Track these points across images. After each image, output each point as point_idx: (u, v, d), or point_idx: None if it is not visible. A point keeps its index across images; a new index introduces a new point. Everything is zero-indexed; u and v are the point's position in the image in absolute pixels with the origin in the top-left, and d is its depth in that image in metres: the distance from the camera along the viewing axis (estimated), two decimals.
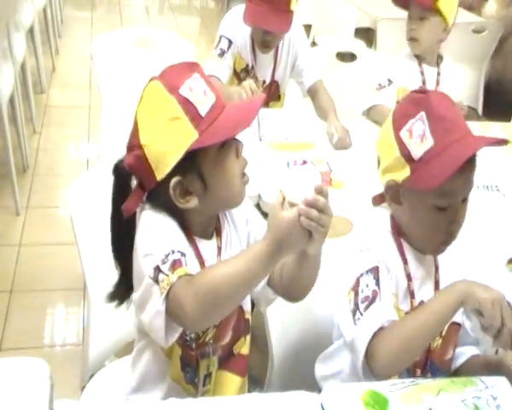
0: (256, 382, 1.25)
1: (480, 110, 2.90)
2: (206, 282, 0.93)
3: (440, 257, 1.18)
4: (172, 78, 0.99)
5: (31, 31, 3.64)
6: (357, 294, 1.08)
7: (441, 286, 1.17)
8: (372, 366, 1.06)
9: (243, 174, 1.04)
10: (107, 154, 1.97)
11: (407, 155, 1.06)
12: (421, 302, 1.15)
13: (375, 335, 1.05)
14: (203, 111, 0.97)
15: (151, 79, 1.01)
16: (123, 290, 1.05)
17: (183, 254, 0.97)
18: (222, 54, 2.20)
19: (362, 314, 1.07)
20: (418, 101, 1.09)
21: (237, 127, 1.00)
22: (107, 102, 2.18)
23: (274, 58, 2.26)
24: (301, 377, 1.12)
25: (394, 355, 1.05)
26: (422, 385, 1.06)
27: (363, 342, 1.05)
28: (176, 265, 0.95)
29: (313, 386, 1.08)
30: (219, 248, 1.07)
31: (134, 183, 1.03)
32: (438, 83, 2.18)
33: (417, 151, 1.05)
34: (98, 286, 1.28)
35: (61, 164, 3.21)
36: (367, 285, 1.08)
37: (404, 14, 3.60)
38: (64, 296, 2.30)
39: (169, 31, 4.79)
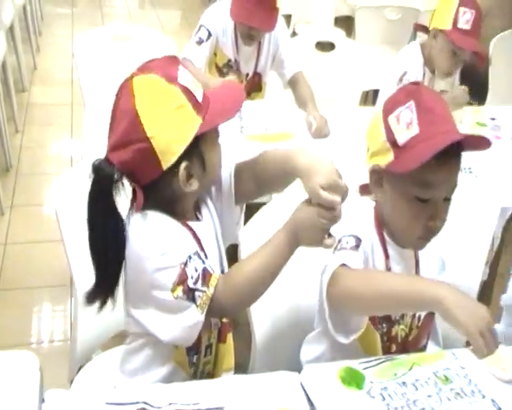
0: (241, 369, 1.29)
1: None
2: (241, 281, 1.03)
3: (421, 252, 1.19)
4: (166, 70, 1.01)
5: (11, 29, 3.61)
6: (336, 248, 1.10)
7: None
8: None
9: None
10: (91, 151, 1.98)
11: (392, 141, 1.08)
12: None
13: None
14: (200, 98, 1.02)
15: (132, 76, 1.01)
16: (102, 294, 1.05)
17: (199, 256, 1.03)
18: (200, 42, 2.22)
19: (333, 255, 1.10)
20: (410, 91, 1.11)
21: (234, 107, 1.07)
22: (90, 99, 2.19)
23: (257, 50, 2.29)
24: (284, 361, 1.15)
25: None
26: (396, 361, 1.11)
27: (326, 276, 1.08)
28: (206, 276, 1.02)
29: (296, 369, 1.10)
30: (205, 225, 1.13)
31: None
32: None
33: (402, 137, 1.07)
34: (84, 281, 1.29)
35: (44, 162, 3.21)
36: (347, 242, 1.11)
37: (381, 2, 3.66)
38: (50, 293, 2.32)
39: (150, 25, 4.78)
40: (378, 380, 1.07)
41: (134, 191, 1.03)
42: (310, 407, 1.01)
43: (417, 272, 1.20)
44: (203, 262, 1.03)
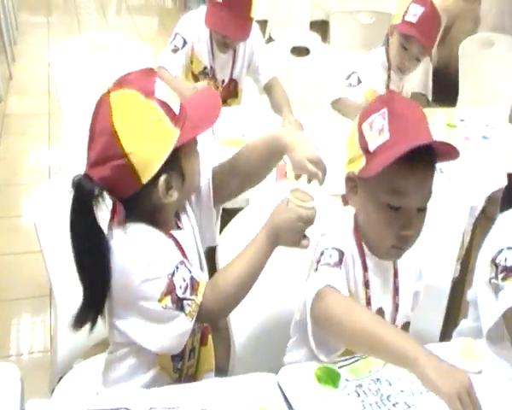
0: (221, 372, 1.31)
1: (429, 96, 3.02)
2: (227, 286, 1.07)
3: (400, 262, 1.19)
4: (143, 84, 1.02)
5: None
6: (319, 261, 1.12)
7: (401, 292, 1.20)
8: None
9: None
10: (70, 161, 1.99)
11: (364, 147, 1.09)
12: (379, 310, 1.18)
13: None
14: (177, 110, 1.03)
15: (109, 91, 1.02)
16: (92, 313, 1.06)
17: (185, 265, 1.05)
18: (175, 50, 2.23)
19: (317, 271, 1.10)
20: (384, 100, 1.14)
21: (210, 120, 1.09)
22: (68, 109, 2.19)
23: (232, 57, 2.31)
24: (262, 364, 1.16)
25: None
26: (371, 359, 1.14)
27: (310, 292, 1.08)
28: (195, 284, 1.05)
29: (274, 372, 1.12)
30: (186, 233, 1.16)
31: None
32: (400, 91, 2.30)
33: (373, 144, 1.08)
34: (64, 290, 1.32)
35: (22, 173, 3.19)
36: (330, 256, 1.12)
37: (355, 6, 3.72)
38: (30, 305, 2.31)
39: (127, 32, 4.79)
40: (353, 378, 1.10)
41: (114, 205, 1.05)
42: (287, 407, 1.04)
43: (395, 282, 1.20)
44: (190, 271, 1.05)
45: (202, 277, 1.08)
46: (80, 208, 1.01)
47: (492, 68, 2.96)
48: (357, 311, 1.06)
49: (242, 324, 1.32)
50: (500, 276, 1.18)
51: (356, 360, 1.14)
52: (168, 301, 1.02)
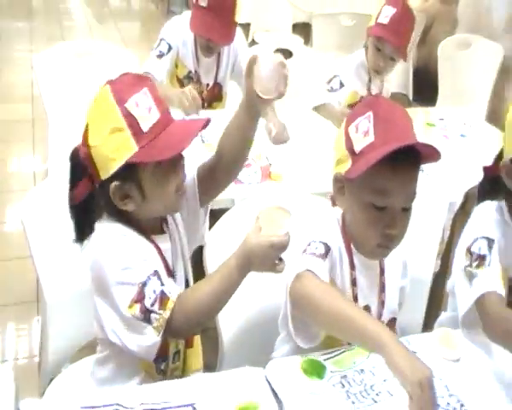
0: (209, 371, 1.32)
1: (410, 96, 3.08)
2: (193, 306, 1.07)
3: (386, 260, 1.23)
4: (122, 89, 1.05)
5: None
6: (305, 251, 1.14)
7: (387, 289, 1.23)
8: None
9: (179, 189, 1.12)
10: (57, 166, 2.00)
11: (350, 149, 1.12)
12: (366, 307, 1.21)
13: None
14: (145, 127, 1.03)
15: (107, 83, 1.07)
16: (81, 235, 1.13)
17: (159, 277, 1.06)
18: (160, 56, 2.26)
19: (301, 258, 1.12)
20: (369, 103, 1.17)
21: (174, 149, 1.05)
22: (53, 114, 2.20)
23: (216, 61, 2.35)
24: (250, 360, 1.18)
25: None
26: (355, 350, 1.18)
27: (291, 276, 1.10)
28: (164, 299, 1.05)
29: (262, 367, 1.15)
30: (170, 237, 1.18)
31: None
32: (381, 91, 2.36)
33: (359, 145, 1.11)
34: (54, 293, 1.34)
35: (6, 180, 3.19)
36: (316, 248, 1.14)
37: (336, 9, 3.78)
38: (16, 311, 2.30)
39: (110, 38, 4.79)
40: (338, 369, 1.14)
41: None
42: (275, 399, 1.07)
43: (382, 279, 1.24)
44: (162, 284, 1.07)
45: (173, 292, 1.07)
46: (74, 176, 1.10)
47: (470, 68, 3.03)
48: (334, 294, 1.08)
49: (230, 320, 1.35)
50: (474, 264, 1.23)
51: (341, 353, 1.18)
52: (137, 309, 1.05)
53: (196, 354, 1.28)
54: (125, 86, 1.06)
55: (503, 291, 1.19)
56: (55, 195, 1.14)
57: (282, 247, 1.04)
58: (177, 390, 1.07)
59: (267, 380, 1.10)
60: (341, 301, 1.07)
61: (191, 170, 1.22)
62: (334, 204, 1.24)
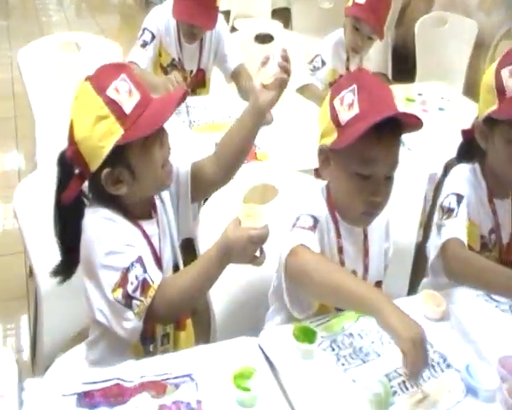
0: None
1: (389, 75, 3.13)
2: (173, 294, 1.10)
3: (369, 226, 1.27)
4: (100, 79, 1.09)
5: None
6: (294, 225, 1.18)
7: (371, 254, 1.28)
8: None
9: (165, 163, 1.16)
10: (46, 160, 2.02)
11: (336, 121, 1.16)
12: (352, 272, 1.26)
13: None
14: (128, 109, 1.07)
15: (86, 78, 1.11)
16: (66, 269, 1.18)
17: (142, 264, 1.10)
18: (144, 45, 2.30)
19: (292, 232, 1.16)
20: (353, 76, 1.22)
21: (158, 122, 1.10)
22: (39, 110, 2.21)
23: (199, 47, 2.38)
24: (242, 332, 1.21)
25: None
26: (343, 316, 1.24)
27: (285, 250, 1.15)
28: (145, 286, 1.09)
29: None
30: (158, 222, 1.22)
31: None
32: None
33: (344, 117, 1.15)
34: (48, 282, 1.34)
35: None
36: (305, 221, 1.19)
37: None
38: (6, 307, 2.28)
39: (89, 31, 4.75)
40: (328, 334, 1.19)
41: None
42: (269, 365, 1.12)
43: (365, 245, 1.29)
44: (144, 271, 1.10)
45: (156, 279, 1.11)
46: (61, 181, 1.13)
47: (446, 45, 3.09)
48: (328, 265, 1.14)
49: (221, 296, 1.40)
50: (444, 217, 1.32)
51: (331, 319, 1.23)
52: (120, 293, 1.09)
53: (189, 337, 1.32)
54: (103, 77, 1.10)
55: (465, 239, 1.28)
56: (47, 185, 1.17)
57: (261, 240, 1.05)
58: (175, 362, 1.12)
59: (260, 348, 1.15)
60: (335, 271, 1.12)
61: (185, 164, 1.27)
62: (317, 176, 1.29)
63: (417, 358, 0.96)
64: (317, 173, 1.29)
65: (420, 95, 2.46)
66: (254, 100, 1.23)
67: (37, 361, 1.50)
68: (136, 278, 1.09)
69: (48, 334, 1.43)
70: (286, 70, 1.20)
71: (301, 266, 1.12)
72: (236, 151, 1.28)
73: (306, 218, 1.19)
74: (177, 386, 1.06)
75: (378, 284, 1.34)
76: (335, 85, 1.23)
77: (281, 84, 1.21)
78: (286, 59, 1.20)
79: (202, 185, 1.28)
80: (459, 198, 1.34)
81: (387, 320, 0.99)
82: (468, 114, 1.74)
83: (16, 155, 3.36)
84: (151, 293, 1.09)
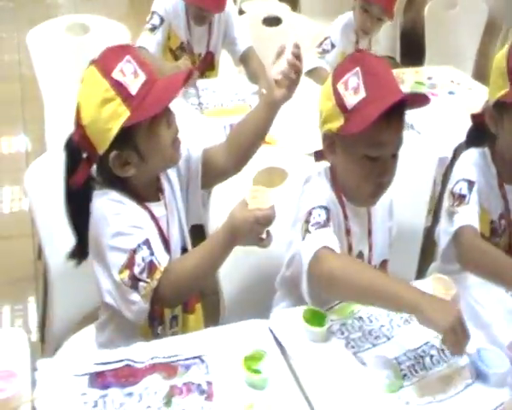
0: None
1: (398, 58, 3.10)
2: (180, 278, 1.10)
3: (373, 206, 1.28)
4: (105, 62, 1.09)
5: None
6: (309, 222, 1.16)
7: (375, 233, 1.28)
8: None
9: (175, 140, 1.16)
10: (55, 142, 2.02)
11: (342, 106, 1.15)
12: (359, 253, 1.27)
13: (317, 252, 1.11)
14: (134, 90, 1.07)
15: (91, 62, 1.11)
16: (80, 252, 1.18)
17: (149, 246, 1.10)
18: (153, 29, 2.28)
19: (310, 233, 1.14)
20: (355, 58, 1.19)
21: (163, 102, 1.10)
22: (47, 92, 2.21)
23: (208, 30, 2.37)
24: (251, 316, 1.22)
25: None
26: None
27: (307, 254, 1.12)
28: (152, 269, 1.09)
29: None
30: (165, 204, 1.22)
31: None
32: (369, 51, 2.38)
33: (351, 102, 1.14)
34: (58, 265, 1.37)
35: None
36: (319, 215, 1.17)
37: None
38: (14, 290, 2.29)
39: (97, 13, 4.72)
40: (338, 317, 1.20)
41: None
42: (279, 348, 1.13)
43: (369, 225, 1.29)
44: (151, 253, 1.10)
45: (163, 261, 1.11)
46: (69, 165, 1.13)
47: (457, 28, 3.05)
48: (358, 269, 1.13)
49: (231, 278, 1.40)
50: (455, 203, 1.31)
51: (339, 302, 1.23)
52: (126, 275, 1.09)
53: (198, 321, 1.32)
54: (108, 59, 1.09)
55: (478, 226, 1.28)
56: (57, 167, 1.17)
57: (267, 221, 1.05)
58: (186, 344, 1.13)
59: (271, 331, 1.16)
60: (367, 272, 1.13)
61: (197, 149, 1.27)
62: (317, 159, 1.28)
63: (460, 340, 1.00)
64: (317, 157, 1.29)
65: (429, 79, 2.44)
66: (268, 93, 1.22)
67: (46, 342, 1.52)
68: (143, 260, 1.09)
69: (58, 315, 1.45)
70: (296, 68, 1.17)
71: (328, 273, 1.10)
72: (248, 142, 1.28)
73: (319, 211, 1.18)
74: (187, 368, 1.07)
75: (384, 263, 1.34)
76: (337, 69, 1.21)
77: (290, 84, 1.19)
78: (297, 56, 1.17)
79: (213, 172, 1.27)
80: (470, 184, 1.33)
81: (426, 317, 1.01)
82: (479, 98, 1.73)
83: (23, 138, 3.36)
84: (157, 275, 1.09)
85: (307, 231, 1.15)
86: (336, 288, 1.11)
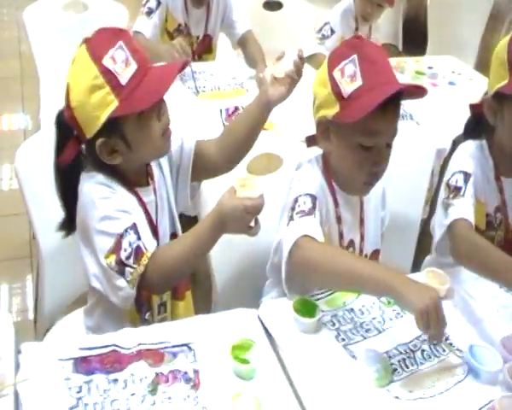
0: None
1: (399, 46, 3.07)
2: (167, 264, 1.09)
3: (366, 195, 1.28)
4: (97, 46, 1.05)
5: None
6: (294, 209, 1.16)
7: (367, 222, 1.27)
8: None
9: (165, 131, 1.13)
10: (49, 121, 1.99)
11: (338, 93, 1.14)
12: (351, 241, 1.26)
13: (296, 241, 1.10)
14: (124, 80, 1.04)
15: (83, 42, 1.07)
16: (70, 224, 1.16)
17: (136, 231, 1.08)
18: (149, 12, 2.25)
19: (294, 220, 1.14)
20: (352, 45, 1.17)
21: (154, 97, 1.06)
22: (44, 70, 2.18)
23: (206, 13, 2.33)
24: (242, 304, 1.21)
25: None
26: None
27: (288, 241, 1.12)
28: (138, 254, 1.07)
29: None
30: (155, 190, 1.20)
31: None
32: (369, 38, 2.36)
33: (347, 89, 1.12)
34: (49, 244, 1.36)
35: None
36: (304, 202, 1.16)
37: None
38: (10, 266, 2.30)
39: None
40: (329, 309, 1.18)
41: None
42: (268, 338, 1.11)
43: (361, 214, 1.28)
44: (138, 238, 1.08)
45: (150, 247, 1.09)
46: (60, 141, 1.11)
47: (459, 18, 3.02)
48: (335, 254, 1.12)
49: (223, 264, 1.39)
50: (451, 195, 1.30)
51: (332, 293, 1.22)
52: (113, 260, 1.07)
53: (188, 308, 1.30)
54: (100, 43, 1.06)
55: (472, 219, 1.27)
56: (50, 145, 1.14)
57: (256, 210, 1.04)
58: (174, 331, 1.11)
59: (260, 320, 1.14)
60: (344, 257, 1.12)
61: (191, 140, 1.24)
62: (309, 145, 1.27)
63: (434, 324, 0.98)
64: (309, 142, 1.28)
65: (430, 68, 2.41)
66: (264, 92, 1.21)
67: (38, 322, 1.51)
68: (130, 244, 1.07)
69: (49, 296, 1.43)
70: (299, 71, 1.18)
71: (309, 260, 1.10)
72: (241, 139, 1.25)
73: (305, 199, 1.17)
74: (174, 355, 1.05)
75: (376, 252, 1.33)
76: (333, 55, 1.19)
77: (290, 84, 1.19)
78: (301, 58, 1.18)
79: (204, 166, 1.25)
80: (466, 177, 1.31)
81: (401, 296, 1.00)
82: (480, 89, 1.70)
83: (22, 116, 3.35)
84: (144, 261, 1.07)
85: (291, 218, 1.15)
86: (314, 274, 1.11)
